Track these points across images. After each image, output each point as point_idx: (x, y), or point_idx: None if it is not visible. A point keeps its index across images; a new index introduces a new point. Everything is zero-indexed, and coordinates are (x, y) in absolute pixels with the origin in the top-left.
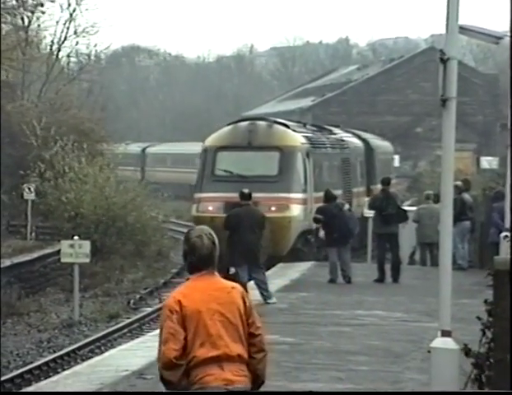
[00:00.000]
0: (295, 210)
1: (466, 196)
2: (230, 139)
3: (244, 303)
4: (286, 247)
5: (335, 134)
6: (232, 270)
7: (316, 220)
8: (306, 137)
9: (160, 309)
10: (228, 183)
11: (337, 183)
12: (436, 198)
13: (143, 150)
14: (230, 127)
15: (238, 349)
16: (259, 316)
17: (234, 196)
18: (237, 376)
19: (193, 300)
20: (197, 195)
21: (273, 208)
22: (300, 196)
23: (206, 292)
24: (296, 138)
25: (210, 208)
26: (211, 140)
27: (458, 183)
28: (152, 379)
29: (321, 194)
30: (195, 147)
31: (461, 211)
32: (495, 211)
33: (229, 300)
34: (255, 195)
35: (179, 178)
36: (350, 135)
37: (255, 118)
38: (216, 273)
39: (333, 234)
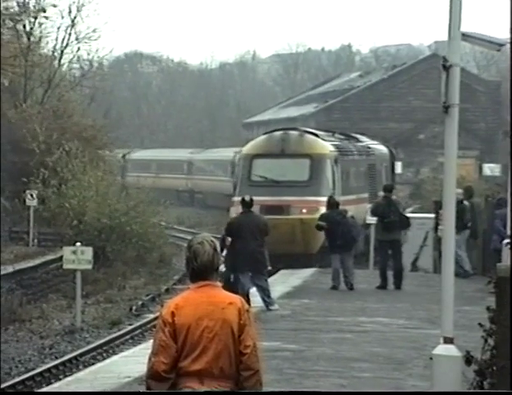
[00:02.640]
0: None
1: (465, 203)
2: (265, 147)
3: (240, 320)
4: (317, 245)
5: (361, 142)
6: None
7: (319, 228)
8: (334, 144)
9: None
10: (263, 187)
11: (363, 187)
12: (439, 205)
13: (123, 156)
14: (264, 136)
15: (222, 365)
16: (261, 323)
17: (269, 199)
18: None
19: (185, 314)
20: (235, 199)
21: (304, 210)
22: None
23: (200, 306)
24: (325, 146)
25: None
26: (247, 148)
27: (459, 191)
28: None
29: (348, 197)
30: (179, 154)
31: (458, 218)
32: (497, 218)
33: (221, 317)
34: (288, 198)
35: (163, 183)
36: (375, 142)
37: (288, 128)
38: (218, 283)
39: (337, 240)
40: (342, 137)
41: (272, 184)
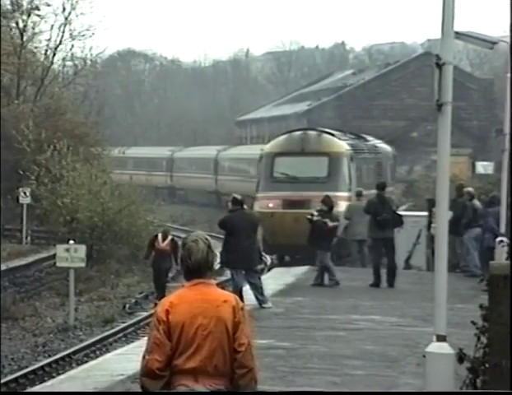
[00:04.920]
0: (342, 206)
1: (476, 202)
2: (286, 146)
3: (234, 317)
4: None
5: (369, 141)
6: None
7: (311, 221)
8: (349, 144)
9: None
10: (285, 183)
11: (373, 183)
12: (432, 203)
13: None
14: (285, 136)
15: (217, 363)
16: (254, 321)
17: (290, 194)
18: (210, 389)
19: (179, 311)
20: (259, 194)
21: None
22: (345, 194)
23: (194, 304)
24: (342, 145)
25: (270, 205)
26: (269, 147)
27: (471, 189)
28: None
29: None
30: (159, 151)
31: (473, 218)
32: (490, 216)
33: (216, 315)
34: (308, 193)
35: (141, 180)
36: (379, 141)
37: (307, 128)
38: (212, 281)
39: (332, 238)
40: (352, 136)
41: (294, 180)
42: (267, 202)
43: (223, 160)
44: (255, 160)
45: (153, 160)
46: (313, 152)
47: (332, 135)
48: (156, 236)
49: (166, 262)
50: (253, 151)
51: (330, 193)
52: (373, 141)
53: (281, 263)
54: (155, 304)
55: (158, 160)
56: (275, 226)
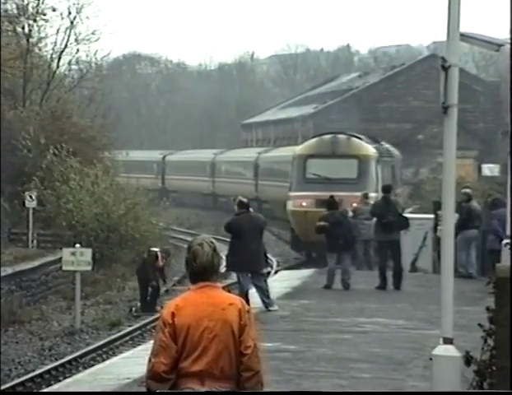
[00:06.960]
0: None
1: (474, 204)
2: (317, 149)
3: (240, 320)
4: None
5: (383, 145)
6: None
7: (319, 230)
8: (375, 147)
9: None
10: (317, 184)
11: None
12: (438, 206)
13: None
14: (315, 139)
15: (223, 366)
16: (261, 324)
17: (322, 194)
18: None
19: (185, 314)
20: (292, 193)
21: (355, 204)
22: (374, 195)
23: (200, 307)
24: (370, 148)
25: (304, 204)
26: (301, 149)
27: (468, 190)
28: None
29: None
30: (150, 155)
31: (467, 219)
32: (494, 219)
33: (222, 318)
34: (339, 194)
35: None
36: (389, 145)
37: (336, 132)
38: (218, 284)
39: (338, 240)
40: (372, 140)
41: (325, 181)
42: (300, 202)
43: (220, 163)
44: (251, 162)
45: (145, 163)
46: (343, 155)
47: (360, 139)
48: (157, 256)
49: (158, 278)
50: (250, 154)
51: (360, 194)
52: (386, 145)
53: (309, 260)
54: (161, 308)
55: (149, 164)
56: (308, 224)
